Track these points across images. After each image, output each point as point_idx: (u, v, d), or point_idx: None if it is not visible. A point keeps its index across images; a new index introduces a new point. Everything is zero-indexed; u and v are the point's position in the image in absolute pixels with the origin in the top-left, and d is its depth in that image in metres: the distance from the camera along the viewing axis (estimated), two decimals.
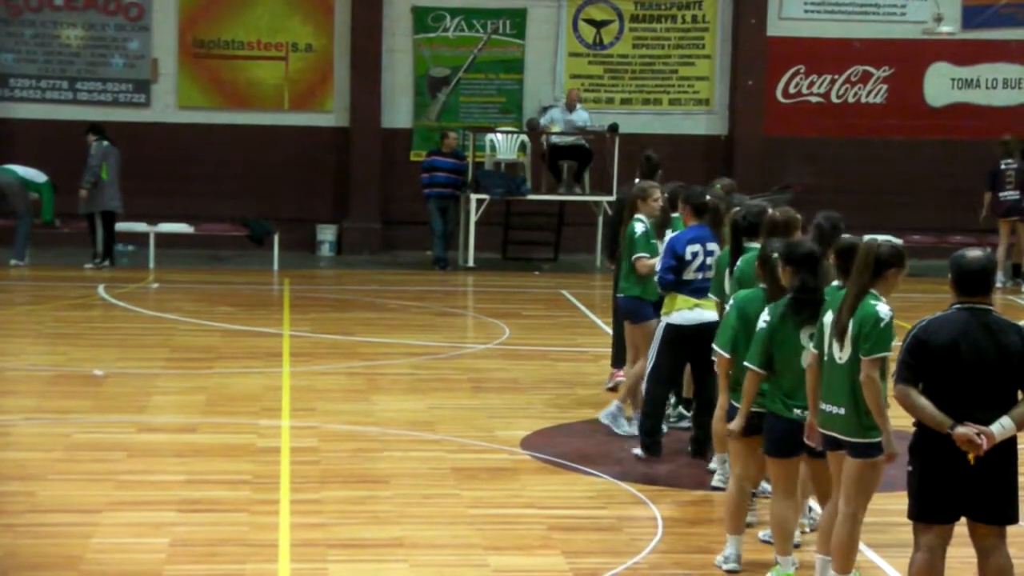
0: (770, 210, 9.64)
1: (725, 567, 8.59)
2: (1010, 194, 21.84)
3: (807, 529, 9.17)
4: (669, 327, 11.01)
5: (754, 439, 8.57)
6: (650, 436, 11.12)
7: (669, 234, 11.44)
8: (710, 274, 10.74)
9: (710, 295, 10.55)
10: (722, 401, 8.92)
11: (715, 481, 10.33)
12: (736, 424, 8.47)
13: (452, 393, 13.54)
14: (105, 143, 21.40)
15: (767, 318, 8.23)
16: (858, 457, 7.69)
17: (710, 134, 24.57)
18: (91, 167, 21.15)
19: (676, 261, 10.92)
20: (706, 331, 10.44)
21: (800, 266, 8.15)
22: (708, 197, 11.19)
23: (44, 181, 21.53)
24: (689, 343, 10.90)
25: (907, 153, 24.48)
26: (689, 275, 10.90)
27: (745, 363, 8.30)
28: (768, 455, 8.33)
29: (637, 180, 13.04)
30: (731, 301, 8.96)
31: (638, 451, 11.17)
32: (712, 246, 10.87)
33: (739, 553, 8.61)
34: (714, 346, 8.91)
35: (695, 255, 10.90)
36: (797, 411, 8.13)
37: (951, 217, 23.85)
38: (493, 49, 24.19)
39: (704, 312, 10.78)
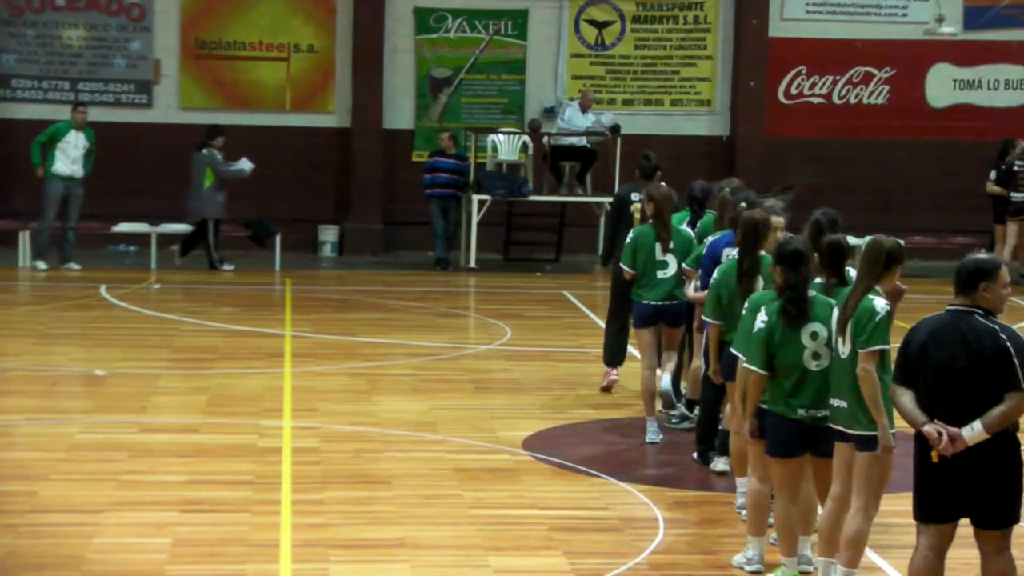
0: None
1: (748, 568, 8.56)
2: (1021, 195, 21.70)
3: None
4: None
5: None
6: (701, 443, 10.97)
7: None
8: None
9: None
10: (744, 415, 8.47)
11: (720, 467, 10.50)
12: (746, 428, 8.33)
13: (454, 394, 13.54)
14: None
15: (764, 318, 8.21)
16: (862, 450, 7.73)
17: (712, 135, 24.57)
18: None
19: (712, 264, 10.79)
20: None
21: (789, 265, 8.15)
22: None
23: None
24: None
25: (909, 154, 24.47)
26: None
27: (746, 365, 8.26)
28: (771, 456, 8.29)
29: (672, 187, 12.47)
30: (746, 305, 8.81)
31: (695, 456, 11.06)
32: None
33: (763, 554, 8.59)
34: (741, 358, 8.49)
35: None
36: (801, 411, 8.12)
37: (952, 218, 23.86)
38: (495, 50, 24.19)
39: None
